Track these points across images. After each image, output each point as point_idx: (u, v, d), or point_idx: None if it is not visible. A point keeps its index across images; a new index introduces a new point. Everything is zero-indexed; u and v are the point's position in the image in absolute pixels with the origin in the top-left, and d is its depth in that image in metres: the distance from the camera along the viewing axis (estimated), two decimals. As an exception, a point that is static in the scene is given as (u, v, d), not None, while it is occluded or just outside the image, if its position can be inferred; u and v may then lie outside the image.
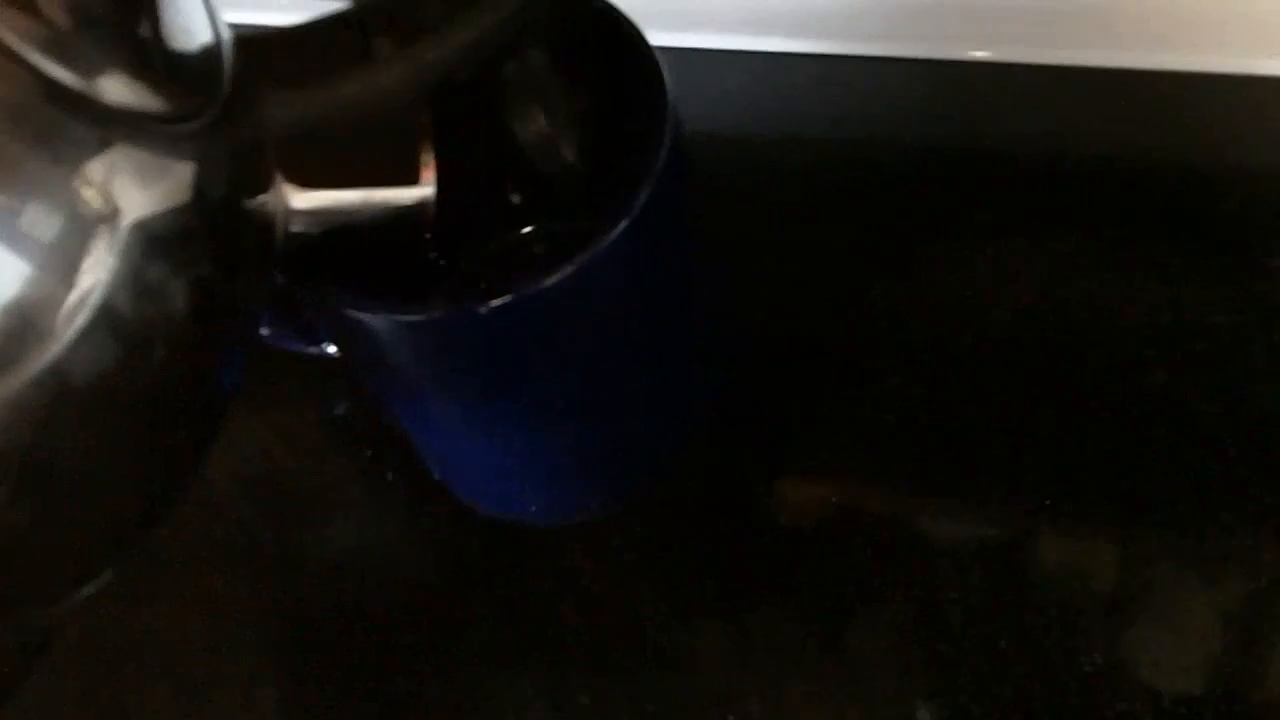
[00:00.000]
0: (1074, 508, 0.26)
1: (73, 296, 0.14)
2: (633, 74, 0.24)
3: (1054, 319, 0.28)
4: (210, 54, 0.17)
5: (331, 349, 0.28)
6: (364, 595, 0.29)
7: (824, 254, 0.31)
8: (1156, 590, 0.25)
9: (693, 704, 0.26)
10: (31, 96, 0.13)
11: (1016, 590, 0.25)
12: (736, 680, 0.26)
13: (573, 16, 0.24)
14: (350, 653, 0.28)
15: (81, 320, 0.14)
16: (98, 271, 0.14)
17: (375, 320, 0.23)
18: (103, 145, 0.14)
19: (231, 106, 0.16)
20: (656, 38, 0.24)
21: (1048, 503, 0.26)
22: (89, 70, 0.14)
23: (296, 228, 0.21)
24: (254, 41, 0.18)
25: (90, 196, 0.14)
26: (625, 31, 0.24)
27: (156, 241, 0.15)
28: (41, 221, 0.13)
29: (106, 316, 0.14)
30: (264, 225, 0.18)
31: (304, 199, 0.21)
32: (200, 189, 0.15)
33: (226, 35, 0.17)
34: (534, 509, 0.29)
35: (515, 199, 0.29)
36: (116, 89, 0.14)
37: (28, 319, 0.14)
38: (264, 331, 0.27)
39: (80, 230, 0.14)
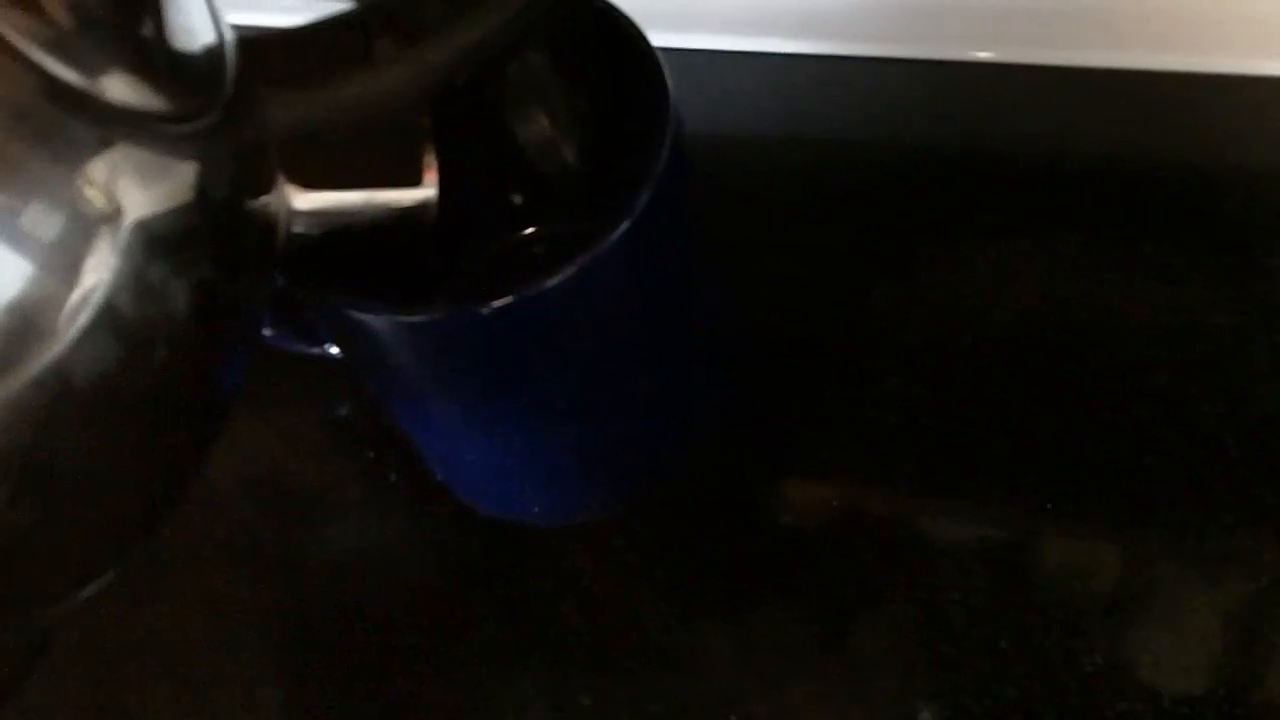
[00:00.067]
0: (1075, 508, 0.26)
1: (74, 296, 0.14)
2: (634, 74, 0.24)
3: (1056, 319, 0.28)
4: (213, 54, 0.17)
5: (333, 350, 0.28)
6: (365, 595, 0.29)
7: (826, 254, 0.31)
8: (1157, 591, 0.25)
9: (695, 705, 0.26)
10: (34, 95, 0.14)
11: (1018, 591, 0.25)
12: (739, 681, 0.26)
13: (574, 17, 0.24)
14: (351, 653, 0.28)
15: (83, 320, 0.14)
16: (100, 271, 0.14)
17: (377, 321, 0.23)
18: (105, 144, 0.14)
19: (234, 107, 0.16)
20: (658, 38, 0.24)
21: (1049, 503, 0.26)
22: (92, 69, 0.14)
23: (298, 228, 0.21)
24: (256, 42, 0.18)
25: (92, 196, 0.14)
26: (626, 32, 0.24)
27: (158, 241, 0.15)
28: (43, 221, 0.13)
29: (108, 316, 0.14)
30: (266, 226, 0.18)
31: (306, 200, 0.21)
32: (202, 189, 0.15)
33: (229, 36, 0.17)
34: (535, 510, 0.29)
35: (516, 200, 0.29)
36: (119, 88, 0.14)
37: (29, 319, 0.14)
38: (266, 332, 0.27)
39: (82, 230, 0.14)
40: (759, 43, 0.34)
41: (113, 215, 0.14)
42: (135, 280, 0.14)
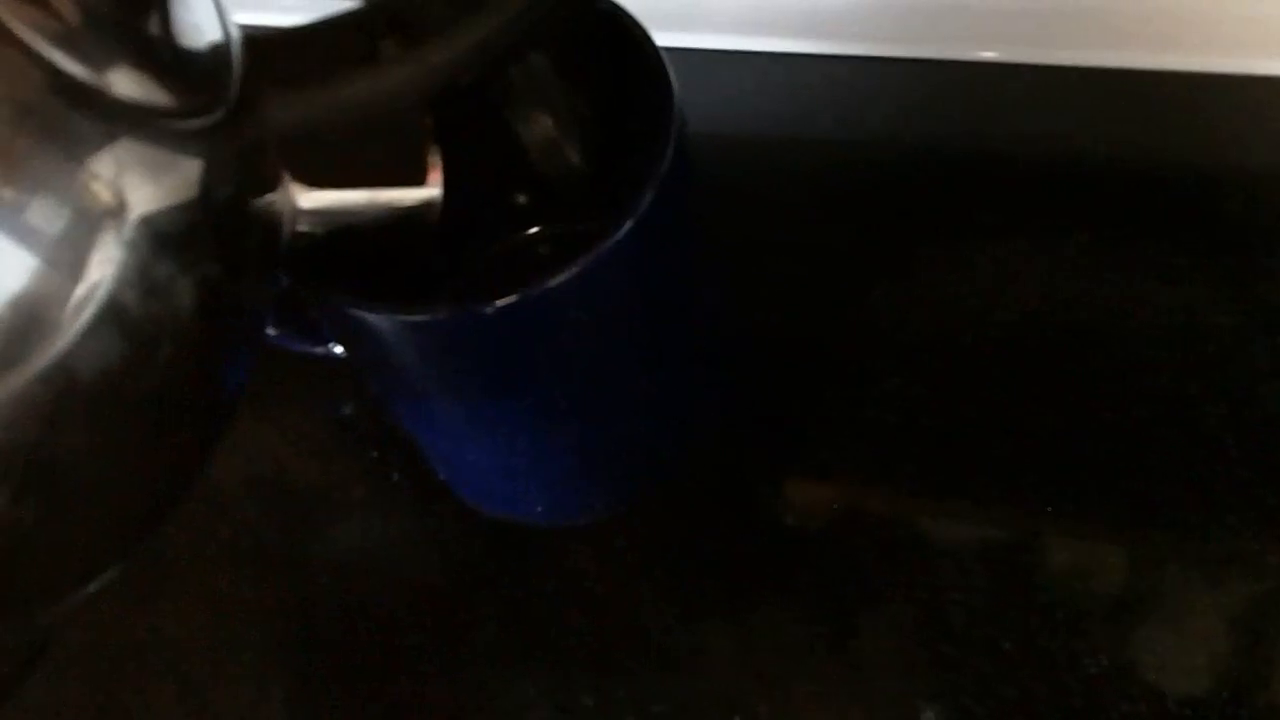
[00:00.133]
0: (1077, 509, 0.26)
1: (80, 292, 0.14)
2: (638, 74, 0.24)
3: (1057, 320, 0.28)
4: (219, 52, 0.17)
5: (337, 349, 0.28)
6: (368, 595, 0.29)
7: (827, 254, 0.31)
8: (1161, 592, 0.25)
9: (697, 705, 0.26)
10: (40, 90, 0.14)
11: (1020, 591, 0.25)
12: (740, 681, 0.26)
13: (578, 18, 0.24)
14: (354, 652, 0.28)
15: (88, 317, 0.14)
16: (105, 267, 0.14)
17: (380, 320, 0.23)
18: (110, 140, 0.14)
19: (239, 105, 0.16)
20: (662, 38, 0.24)
21: (1050, 504, 0.26)
22: (98, 63, 0.14)
23: (303, 227, 0.21)
24: (261, 41, 0.18)
25: (98, 191, 0.14)
26: (631, 32, 0.24)
27: (163, 238, 0.15)
28: (49, 216, 0.14)
29: (113, 313, 0.14)
30: (270, 225, 0.18)
31: (310, 199, 0.21)
32: (207, 187, 0.15)
33: (235, 34, 0.17)
34: (538, 510, 0.29)
35: (520, 200, 0.29)
36: (125, 83, 0.14)
37: (35, 314, 0.14)
38: (270, 332, 0.27)
39: (87, 225, 0.14)
40: (762, 42, 0.34)
41: (118, 211, 0.14)
42: (140, 277, 0.14)
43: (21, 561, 0.15)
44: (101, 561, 0.16)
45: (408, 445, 0.29)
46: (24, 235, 0.13)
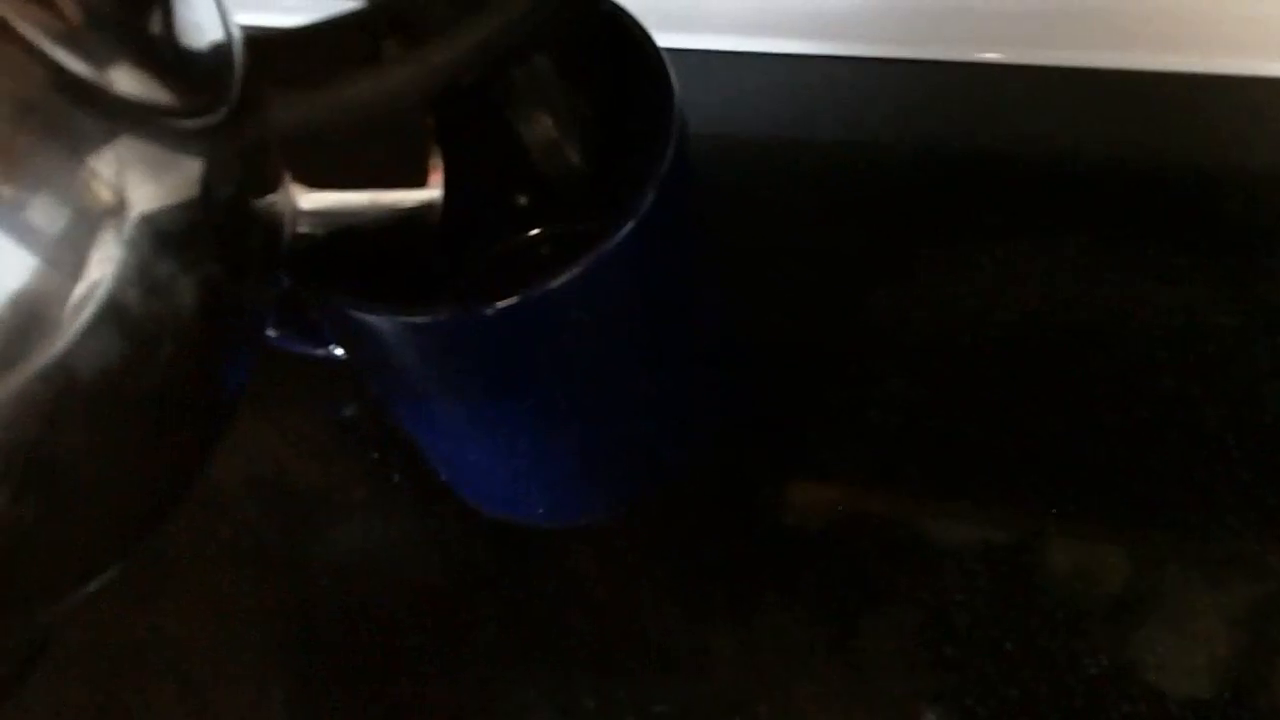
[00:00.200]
0: (1078, 510, 0.26)
1: (81, 290, 0.14)
2: (639, 75, 0.24)
3: (1058, 321, 0.28)
4: (220, 52, 0.17)
5: (338, 351, 0.28)
6: (369, 596, 0.29)
7: (830, 255, 0.31)
8: (1162, 593, 0.25)
9: (699, 707, 0.26)
10: (43, 87, 0.14)
11: (1023, 593, 0.25)
12: (742, 683, 0.26)
13: (581, 18, 0.24)
14: (355, 654, 0.28)
15: (90, 315, 0.14)
16: (106, 265, 0.14)
17: (381, 322, 0.23)
18: (112, 138, 0.14)
19: (240, 105, 0.16)
20: (663, 39, 0.24)
21: (1051, 505, 0.26)
22: (101, 61, 0.14)
23: (303, 228, 0.21)
24: (263, 42, 0.18)
25: (99, 189, 0.14)
26: (632, 33, 0.24)
27: (164, 237, 0.15)
28: (51, 213, 0.13)
29: (114, 312, 0.14)
30: (271, 225, 0.18)
31: (311, 200, 0.21)
32: (208, 186, 0.15)
33: (237, 34, 0.17)
34: (539, 511, 0.29)
35: (521, 201, 0.29)
36: (127, 81, 0.14)
37: (36, 312, 0.13)
38: (270, 333, 0.27)
39: (89, 223, 0.14)
40: (764, 43, 0.34)
41: (119, 209, 0.14)
42: (141, 276, 0.14)
43: (21, 560, 0.15)
44: (102, 561, 0.16)
45: (409, 446, 0.29)
46: (26, 233, 0.13)
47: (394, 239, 0.24)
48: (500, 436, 0.26)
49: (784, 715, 0.25)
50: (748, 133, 0.34)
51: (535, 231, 0.30)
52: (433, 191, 0.23)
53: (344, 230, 0.22)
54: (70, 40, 0.14)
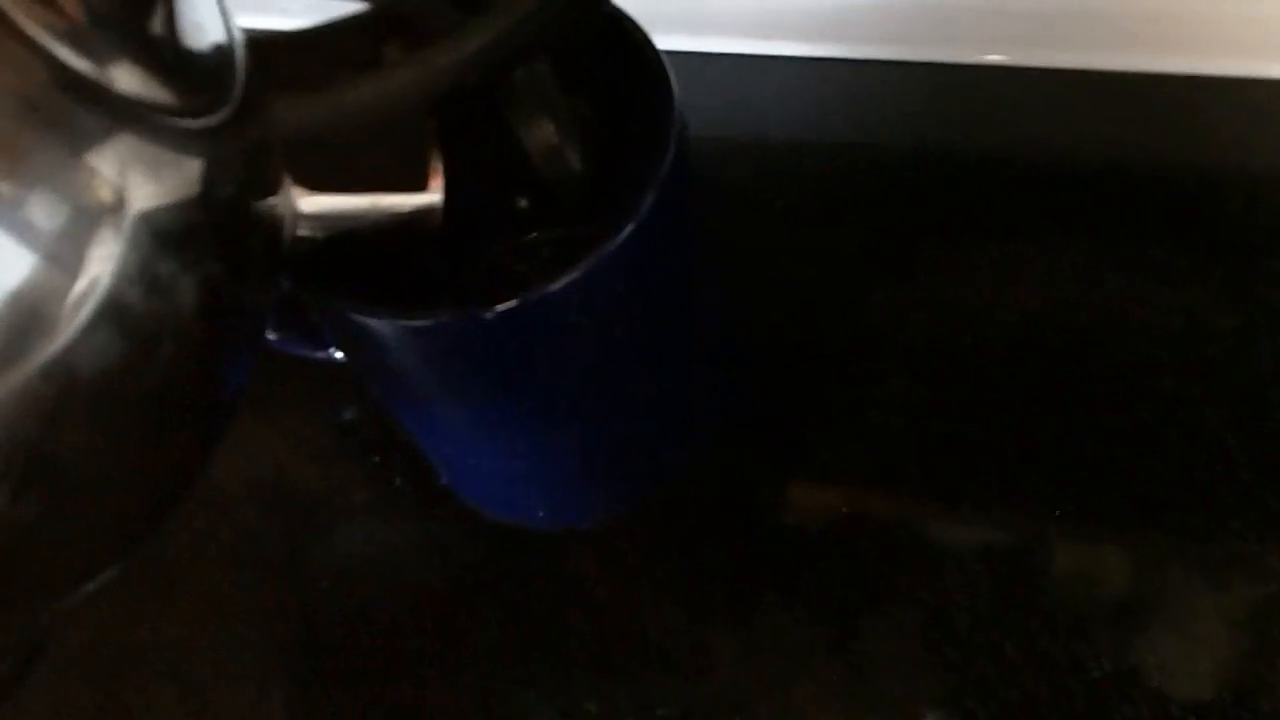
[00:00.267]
0: (1079, 511, 0.26)
1: (81, 287, 0.14)
2: (638, 78, 0.24)
3: (1059, 322, 0.28)
4: (222, 53, 0.17)
5: (338, 354, 0.28)
6: (370, 599, 0.29)
7: (831, 257, 0.31)
8: (1164, 596, 0.25)
9: (700, 709, 0.26)
10: (46, 85, 0.14)
11: (1024, 596, 0.25)
12: (743, 684, 0.26)
13: (584, 22, 0.24)
14: (356, 656, 0.28)
15: (90, 313, 0.14)
16: (106, 263, 0.14)
17: (381, 325, 0.23)
18: (114, 136, 0.14)
19: (241, 107, 0.16)
20: (666, 41, 0.24)
21: (1053, 507, 0.26)
22: (103, 59, 0.14)
23: (303, 231, 0.21)
24: (265, 44, 0.18)
25: (101, 187, 0.14)
26: (631, 35, 0.24)
27: (165, 236, 0.15)
28: (52, 211, 0.13)
29: (115, 310, 0.14)
30: (272, 227, 0.18)
31: (311, 203, 0.21)
32: (209, 187, 0.15)
33: (239, 36, 0.17)
34: (540, 514, 0.29)
35: (521, 204, 0.29)
36: (130, 80, 0.14)
37: (38, 310, 0.14)
38: (271, 336, 0.27)
39: (90, 221, 0.14)
40: (767, 46, 0.34)
41: (120, 207, 0.14)
42: (142, 274, 0.14)
43: (21, 559, 0.15)
44: (101, 560, 0.16)
45: (409, 450, 0.29)
46: (27, 230, 0.13)
47: (394, 242, 0.24)
48: (500, 439, 0.26)
49: (784, 716, 0.25)
50: (750, 135, 0.34)
51: (535, 234, 0.30)
52: (433, 196, 0.23)
53: (344, 233, 0.22)
54: (73, 38, 0.14)
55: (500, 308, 0.22)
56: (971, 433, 0.27)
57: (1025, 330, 0.28)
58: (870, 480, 0.28)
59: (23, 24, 0.13)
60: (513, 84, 0.24)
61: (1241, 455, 0.26)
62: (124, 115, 0.14)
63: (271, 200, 0.18)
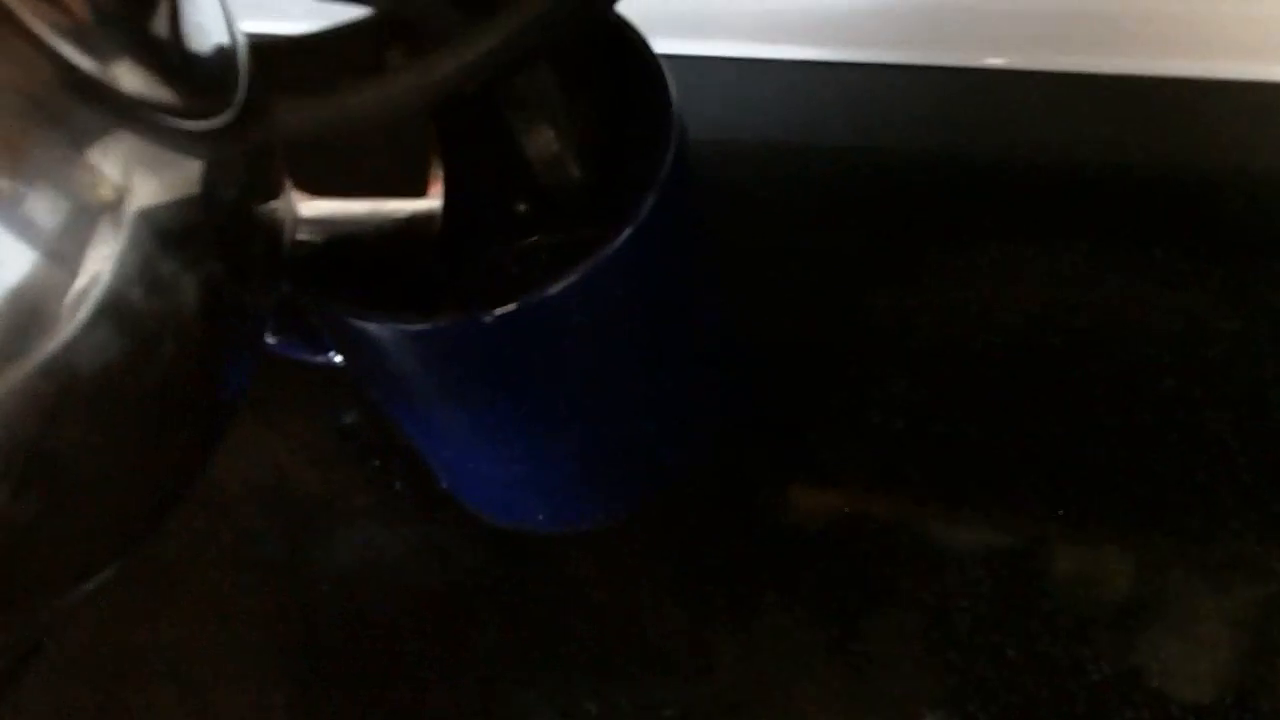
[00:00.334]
0: (1081, 514, 0.26)
1: (81, 284, 0.14)
2: (638, 81, 0.24)
3: (1061, 324, 0.28)
4: (225, 56, 0.17)
5: (338, 358, 0.28)
6: (370, 602, 0.29)
7: (833, 260, 0.31)
8: (1165, 598, 0.25)
9: (700, 710, 0.26)
10: (50, 83, 0.14)
11: (1025, 597, 0.25)
12: (744, 686, 0.26)
13: (587, 28, 0.25)
14: (356, 660, 0.28)
15: (90, 309, 0.14)
16: (107, 261, 0.14)
17: (380, 329, 0.23)
18: (118, 135, 0.14)
19: (244, 110, 0.17)
20: (668, 45, 0.24)
21: (1055, 510, 0.26)
22: (108, 59, 0.14)
23: (304, 236, 0.21)
24: (268, 48, 0.18)
25: (103, 186, 0.14)
26: (631, 40, 0.24)
27: (166, 235, 0.15)
28: (55, 208, 0.14)
29: (115, 308, 0.14)
30: (273, 231, 0.18)
31: (312, 207, 0.21)
32: (211, 188, 0.15)
33: (242, 40, 0.17)
34: (540, 517, 0.29)
35: (521, 207, 0.29)
36: (133, 79, 0.14)
37: (39, 307, 0.14)
38: (270, 340, 0.27)
39: (91, 218, 0.14)
40: (766, 49, 0.35)
41: (122, 206, 0.14)
42: (143, 273, 0.14)
43: (20, 557, 0.15)
44: (101, 559, 0.16)
45: (409, 453, 0.29)
46: (29, 227, 0.13)
47: (393, 247, 0.24)
48: (500, 442, 0.26)
49: (784, 717, 0.25)
50: (752, 138, 0.34)
51: (535, 237, 0.30)
52: (433, 201, 0.23)
53: (344, 238, 0.22)
54: (78, 36, 0.14)
55: (500, 311, 0.22)
56: (972, 434, 0.27)
57: (1026, 332, 0.28)
58: (871, 481, 0.28)
59: (29, 22, 0.13)
60: (513, 88, 0.24)
61: (1242, 457, 0.26)
62: (127, 115, 0.14)
63: (272, 204, 0.18)
